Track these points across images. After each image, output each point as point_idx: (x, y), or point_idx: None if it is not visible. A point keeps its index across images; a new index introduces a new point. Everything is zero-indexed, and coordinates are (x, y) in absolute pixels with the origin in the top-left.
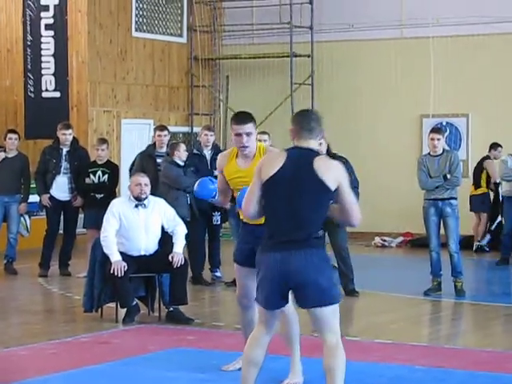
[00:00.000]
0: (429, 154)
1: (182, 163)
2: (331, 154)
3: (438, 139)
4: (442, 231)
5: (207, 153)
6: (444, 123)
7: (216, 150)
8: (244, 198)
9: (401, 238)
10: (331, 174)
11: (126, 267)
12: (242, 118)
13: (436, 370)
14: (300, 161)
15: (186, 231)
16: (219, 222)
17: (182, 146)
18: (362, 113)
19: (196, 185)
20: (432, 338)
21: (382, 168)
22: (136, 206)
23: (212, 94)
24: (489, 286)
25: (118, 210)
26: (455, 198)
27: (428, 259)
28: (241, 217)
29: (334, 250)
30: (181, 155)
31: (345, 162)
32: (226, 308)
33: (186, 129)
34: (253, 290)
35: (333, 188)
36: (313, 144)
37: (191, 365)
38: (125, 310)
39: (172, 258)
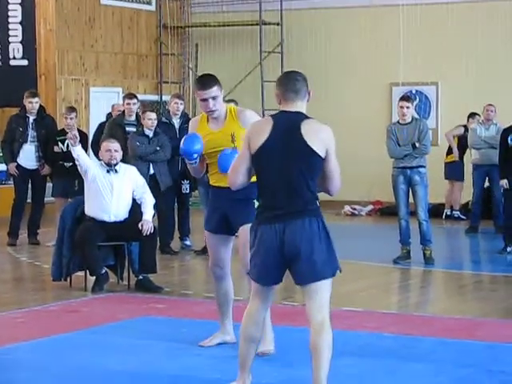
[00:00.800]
0: (398, 122)
1: (148, 132)
2: None
3: (407, 107)
4: (412, 199)
5: (176, 121)
6: (413, 91)
7: (185, 118)
8: (231, 168)
9: (370, 207)
10: (319, 139)
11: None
12: (206, 82)
13: (405, 338)
14: (287, 127)
15: (154, 200)
16: (188, 191)
17: (147, 115)
18: (331, 81)
19: (183, 140)
20: (401, 305)
21: (352, 136)
22: (108, 171)
23: (181, 62)
24: (458, 254)
25: (94, 171)
26: (424, 167)
27: (397, 227)
28: (210, 182)
29: None
30: (146, 123)
31: None
32: (196, 276)
33: (155, 97)
34: (225, 258)
35: (322, 154)
36: (300, 106)
37: (161, 333)
38: (94, 278)
39: (141, 226)
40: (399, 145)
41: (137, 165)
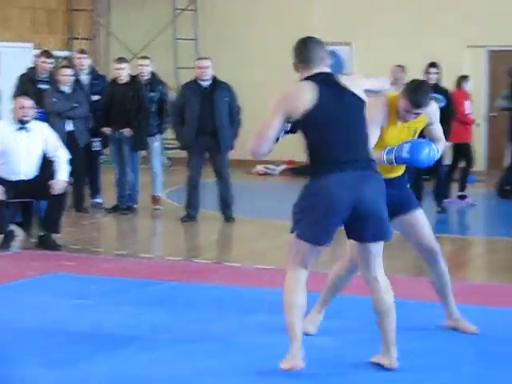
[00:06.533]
0: None
1: (65, 88)
2: (215, 80)
3: None
4: None
5: (84, 77)
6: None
7: (94, 74)
8: (261, 135)
9: (284, 166)
10: (357, 86)
11: (3, 191)
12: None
13: (316, 295)
14: (331, 83)
15: (68, 156)
16: (99, 148)
17: (63, 71)
18: (245, 39)
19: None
20: (315, 263)
21: (266, 95)
22: (19, 129)
23: (92, 19)
24: None
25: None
26: None
27: None
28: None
29: (216, 175)
30: (62, 80)
31: (229, 89)
32: (106, 234)
33: (66, 53)
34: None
35: (365, 99)
36: (327, 69)
37: (70, 290)
38: (1, 236)
39: (51, 185)
40: None
41: (54, 121)
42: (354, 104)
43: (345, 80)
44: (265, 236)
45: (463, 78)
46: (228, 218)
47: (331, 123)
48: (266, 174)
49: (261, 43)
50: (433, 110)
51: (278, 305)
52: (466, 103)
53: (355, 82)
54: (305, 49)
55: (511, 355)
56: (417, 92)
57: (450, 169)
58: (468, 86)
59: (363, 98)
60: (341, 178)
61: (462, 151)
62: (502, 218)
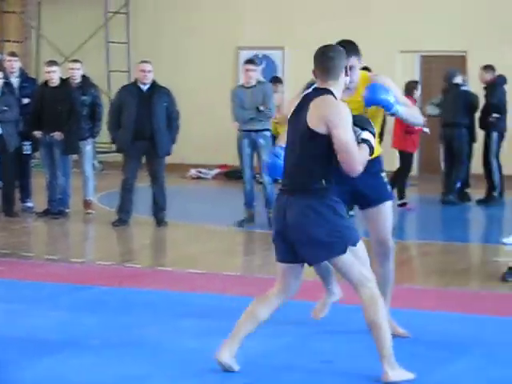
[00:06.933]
0: (242, 85)
1: None
2: (155, 85)
3: (253, 70)
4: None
5: (14, 80)
6: (260, 55)
7: (24, 77)
8: (347, 155)
9: (217, 170)
10: (316, 113)
11: None
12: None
13: (248, 299)
14: (304, 102)
15: None
16: (29, 152)
17: None
18: (179, 42)
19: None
20: (244, 267)
21: (198, 99)
22: None
23: (23, 21)
24: None
25: None
26: (269, 130)
27: (242, 191)
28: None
29: (151, 178)
30: None
31: (168, 94)
32: (37, 238)
33: None
34: None
35: (321, 131)
36: (331, 84)
37: (1, 295)
38: None
39: None
40: (244, 108)
41: None
42: (301, 130)
43: (315, 102)
44: (197, 240)
45: (414, 84)
46: (160, 222)
47: (287, 140)
48: (199, 178)
49: (194, 48)
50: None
51: (210, 309)
52: None
53: (319, 109)
54: (314, 58)
55: (443, 359)
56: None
57: (396, 175)
58: (418, 92)
59: (312, 127)
60: (278, 198)
61: (403, 159)
62: (437, 222)
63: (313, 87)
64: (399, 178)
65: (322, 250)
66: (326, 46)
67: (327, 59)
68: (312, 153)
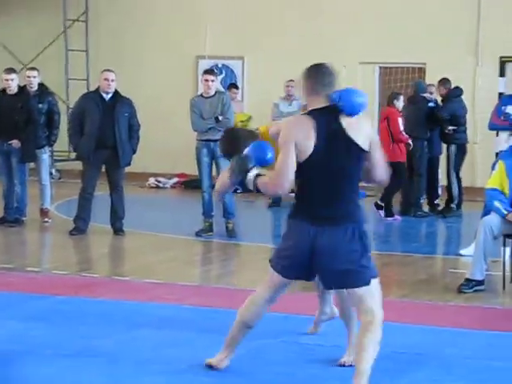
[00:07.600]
0: (201, 95)
1: None
2: (117, 94)
3: (212, 80)
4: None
5: None
6: (220, 65)
7: None
8: (279, 172)
9: (175, 179)
10: (363, 132)
11: None
12: None
13: (205, 309)
14: (330, 125)
15: None
16: None
17: None
18: (137, 50)
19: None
20: (202, 277)
21: (157, 108)
22: None
23: None
24: (260, 228)
25: None
26: None
27: (200, 200)
28: None
29: (110, 187)
30: None
31: (130, 105)
32: None
33: None
34: None
35: (367, 148)
36: (326, 101)
37: None
38: None
39: None
40: (203, 118)
41: None
42: (348, 154)
43: (347, 121)
44: (155, 250)
45: (396, 95)
46: (118, 231)
47: (320, 170)
48: (157, 187)
49: (153, 57)
50: None
51: (167, 319)
52: (400, 120)
53: (361, 126)
54: (309, 75)
55: (399, 371)
56: None
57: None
58: (400, 103)
59: (361, 146)
60: (306, 226)
61: (395, 170)
62: (395, 234)
63: (313, 108)
64: (391, 190)
65: (356, 276)
66: (322, 64)
67: (329, 75)
68: (358, 172)
